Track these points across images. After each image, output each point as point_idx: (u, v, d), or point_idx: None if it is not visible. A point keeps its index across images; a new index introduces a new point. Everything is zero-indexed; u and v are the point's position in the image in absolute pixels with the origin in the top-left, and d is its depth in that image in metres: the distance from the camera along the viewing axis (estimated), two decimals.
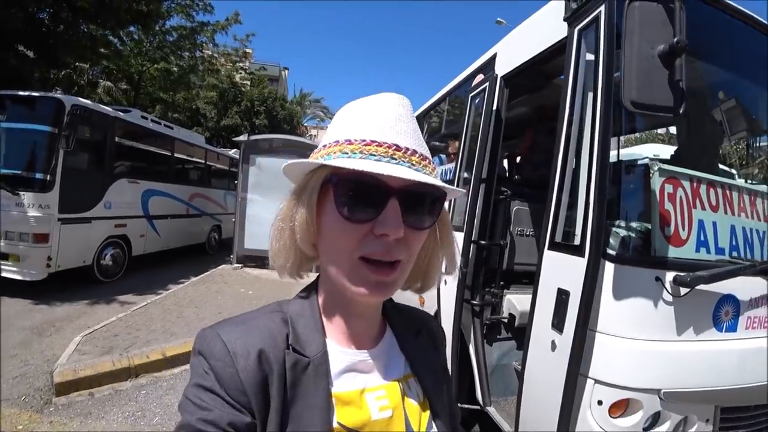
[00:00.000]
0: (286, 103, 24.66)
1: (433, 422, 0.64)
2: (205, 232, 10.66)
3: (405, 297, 1.69)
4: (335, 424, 0.54)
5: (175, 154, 9.00)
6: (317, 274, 0.65)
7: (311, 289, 0.64)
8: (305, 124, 31.49)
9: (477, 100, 2.93)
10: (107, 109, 6.95)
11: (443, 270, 0.67)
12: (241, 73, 20.80)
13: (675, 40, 1.32)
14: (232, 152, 12.14)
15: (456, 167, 3.10)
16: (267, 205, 8.04)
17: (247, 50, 18.05)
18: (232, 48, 16.21)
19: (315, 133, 34.72)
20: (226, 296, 6.06)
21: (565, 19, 1.98)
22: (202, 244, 10.56)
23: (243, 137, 8.73)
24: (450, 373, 2.62)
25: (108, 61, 11.33)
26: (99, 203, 6.49)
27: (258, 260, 8.30)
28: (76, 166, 6.03)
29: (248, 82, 22.31)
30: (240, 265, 8.38)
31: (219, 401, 0.50)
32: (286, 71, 38.63)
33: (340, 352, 0.60)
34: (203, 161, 10.56)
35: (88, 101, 6.66)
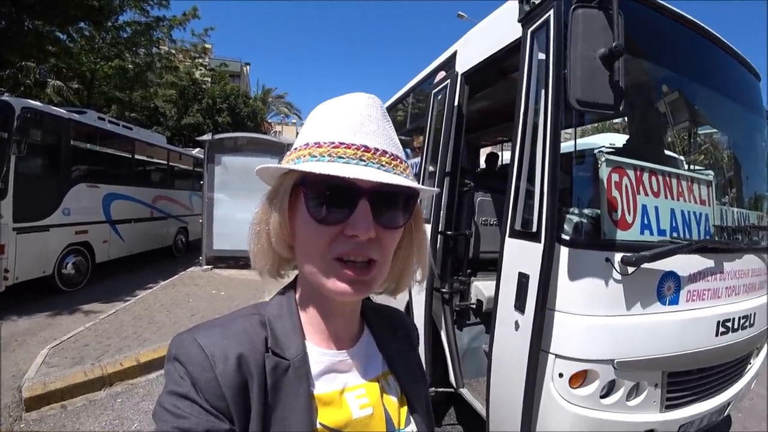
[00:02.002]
0: (249, 99, 24.10)
1: (411, 417, 0.65)
2: (172, 235, 10.40)
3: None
4: (317, 425, 0.54)
5: (136, 156, 8.72)
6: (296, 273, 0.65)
7: (288, 290, 0.64)
8: (269, 121, 30.87)
9: (439, 97, 3.03)
10: (61, 110, 6.65)
11: (417, 277, 0.68)
12: (201, 69, 20.13)
13: (614, 44, 1.45)
14: (196, 152, 11.82)
15: (421, 161, 3.20)
16: (234, 205, 7.94)
17: (207, 46, 17.49)
18: (191, 43, 15.66)
19: (280, 130, 34.13)
20: (197, 299, 5.96)
21: (518, 21, 2.09)
22: (169, 247, 10.31)
23: (207, 136, 8.53)
24: (423, 363, 2.75)
25: (56, 59, 10.70)
26: (57, 210, 6.24)
27: (228, 261, 8.19)
28: (30, 171, 5.79)
29: (209, 79, 21.64)
30: (210, 267, 8.23)
31: (195, 408, 0.48)
32: (248, 67, 37.57)
33: (319, 353, 0.60)
34: (166, 162, 10.26)
35: (39, 103, 6.36)
